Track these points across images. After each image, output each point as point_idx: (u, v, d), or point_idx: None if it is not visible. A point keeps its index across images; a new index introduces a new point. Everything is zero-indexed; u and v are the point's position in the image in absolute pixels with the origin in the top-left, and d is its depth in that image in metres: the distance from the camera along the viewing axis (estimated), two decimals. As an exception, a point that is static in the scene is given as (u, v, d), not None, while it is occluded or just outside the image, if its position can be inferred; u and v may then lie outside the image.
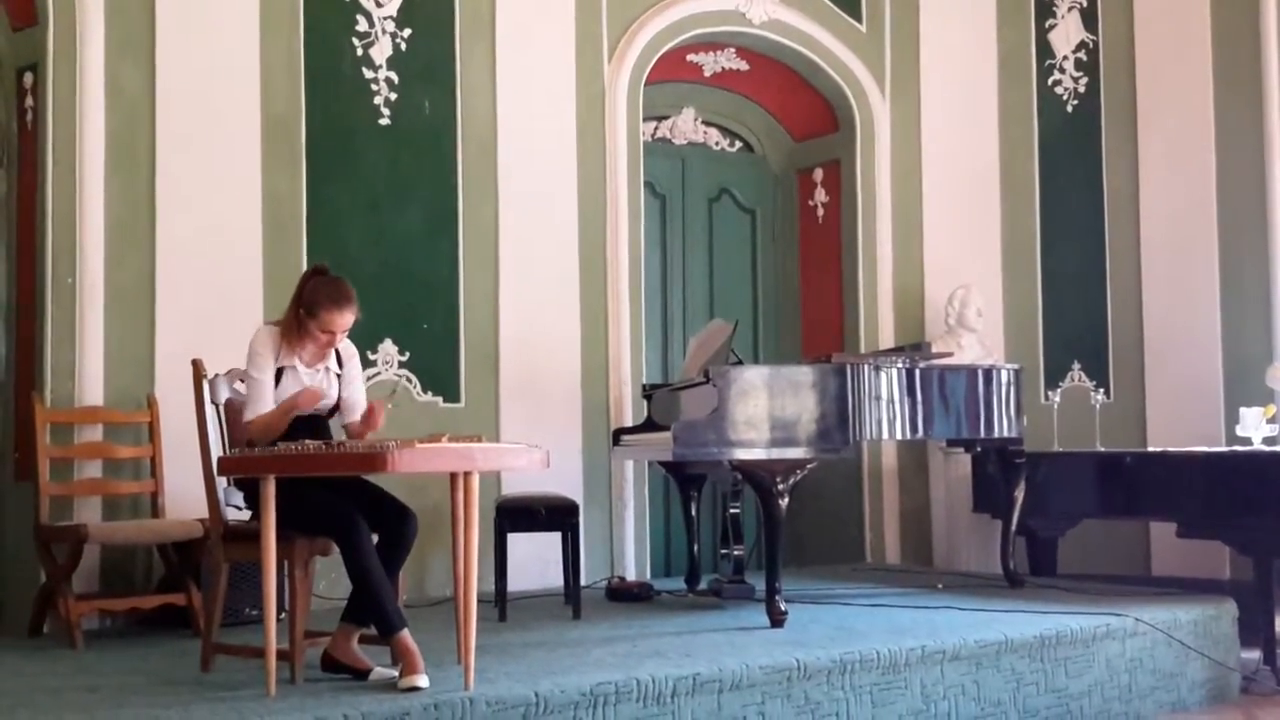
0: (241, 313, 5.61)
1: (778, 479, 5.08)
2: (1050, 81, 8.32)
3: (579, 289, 6.75)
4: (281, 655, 3.89)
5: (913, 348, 6.07)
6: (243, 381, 4.25)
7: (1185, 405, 7.72)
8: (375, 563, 3.98)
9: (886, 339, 7.68)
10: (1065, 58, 8.35)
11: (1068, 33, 8.36)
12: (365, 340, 6.01)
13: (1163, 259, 7.99)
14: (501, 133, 6.56)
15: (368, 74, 6.24)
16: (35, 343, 5.47)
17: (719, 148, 8.02)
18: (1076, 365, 8.19)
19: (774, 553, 5.12)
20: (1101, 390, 7.77)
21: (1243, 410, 6.66)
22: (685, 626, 5.09)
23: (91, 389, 5.44)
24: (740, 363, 5.55)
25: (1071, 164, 8.28)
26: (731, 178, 7.99)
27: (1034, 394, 7.77)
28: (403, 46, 6.33)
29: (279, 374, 4.20)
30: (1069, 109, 8.33)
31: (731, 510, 5.98)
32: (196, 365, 4.25)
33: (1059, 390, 7.83)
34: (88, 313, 5.45)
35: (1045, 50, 8.33)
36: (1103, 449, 6.87)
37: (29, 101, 5.61)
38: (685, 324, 7.60)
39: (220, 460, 4.07)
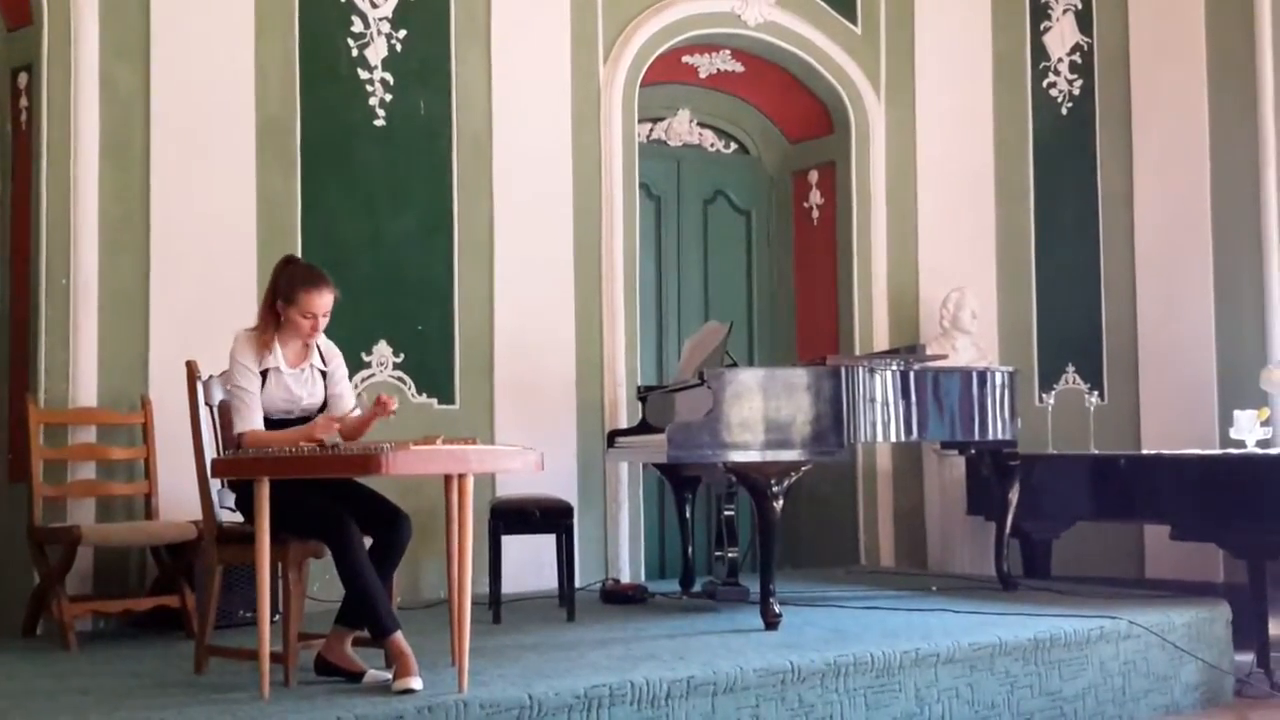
0: (236, 314, 5.52)
1: (772, 481, 5.08)
2: (1045, 84, 8.33)
3: (574, 291, 6.75)
4: (275, 658, 3.89)
5: (907, 350, 6.07)
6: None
7: (1179, 408, 7.71)
8: (367, 565, 3.98)
9: (881, 341, 7.68)
10: (1060, 60, 8.35)
11: (1062, 35, 8.36)
12: (360, 341, 6.02)
13: (1157, 261, 7.99)
14: (497, 134, 6.55)
15: (363, 75, 6.23)
16: (29, 344, 5.45)
17: (714, 149, 8.01)
18: (1071, 368, 8.19)
19: (768, 555, 5.11)
20: (1096, 393, 7.75)
21: (1237, 413, 6.65)
22: (679, 629, 5.09)
23: (85, 390, 5.43)
24: (735, 365, 5.56)
25: (1066, 166, 8.28)
26: (726, 179, 7.98)
27: (1028, 396, 7.79)
28: (398, 47, 6.32)
29: (264, 376, 4.20)
30: (1064, 111, 8.33)
31: (726, 512, 5.98)
32: (190, 367, 4.25)
33: (1053, 392, 7.84)
34: (82, 314, 5.43)
35: (1040, 53, 8.34)
36: (1097, 452, 6.86)
37: (23, 102, 5.60)
38: (680, 326, 7.59)
39: (214, 462, 4.07)
